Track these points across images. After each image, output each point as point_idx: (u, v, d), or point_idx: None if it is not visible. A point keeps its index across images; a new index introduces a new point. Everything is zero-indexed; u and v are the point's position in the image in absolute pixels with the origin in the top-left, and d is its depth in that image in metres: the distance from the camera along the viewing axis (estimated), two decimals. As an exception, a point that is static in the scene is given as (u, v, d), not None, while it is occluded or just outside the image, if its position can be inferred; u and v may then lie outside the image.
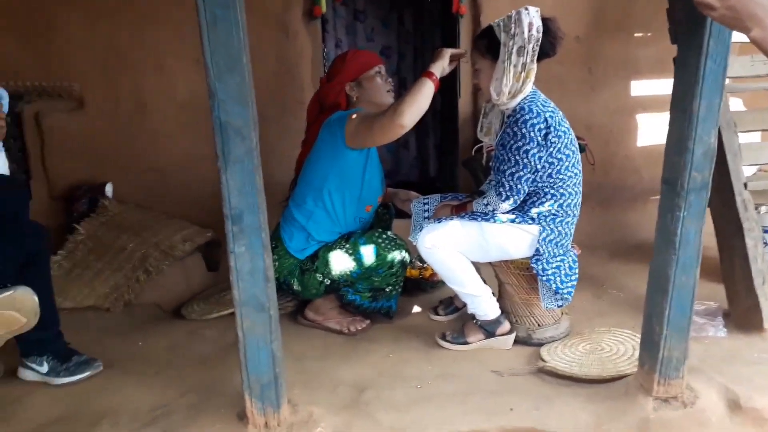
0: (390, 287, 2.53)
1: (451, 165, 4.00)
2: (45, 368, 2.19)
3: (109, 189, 3.38)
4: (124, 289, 2.93)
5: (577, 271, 2.35)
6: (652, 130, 3.83)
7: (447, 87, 4.02)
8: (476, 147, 3.40)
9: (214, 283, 3.11)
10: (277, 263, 2.48)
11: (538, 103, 2.24)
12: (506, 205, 2.28)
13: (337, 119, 2.39)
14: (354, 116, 2.34)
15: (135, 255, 3.01)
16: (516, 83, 2.21)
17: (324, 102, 2.59)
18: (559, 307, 2.36)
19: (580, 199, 2.39)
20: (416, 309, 2.82)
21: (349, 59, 2.58)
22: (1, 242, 1.91)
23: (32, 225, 2.15)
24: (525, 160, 2.21)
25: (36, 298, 1.77)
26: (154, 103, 3.45)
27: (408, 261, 2.53)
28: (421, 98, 2.20)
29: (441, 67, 2.27)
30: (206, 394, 2.07)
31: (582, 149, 3.26)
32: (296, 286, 2.50)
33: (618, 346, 2.31)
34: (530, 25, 2.16)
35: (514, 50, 2.18)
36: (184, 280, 3.06)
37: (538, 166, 2.25)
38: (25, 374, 2.22)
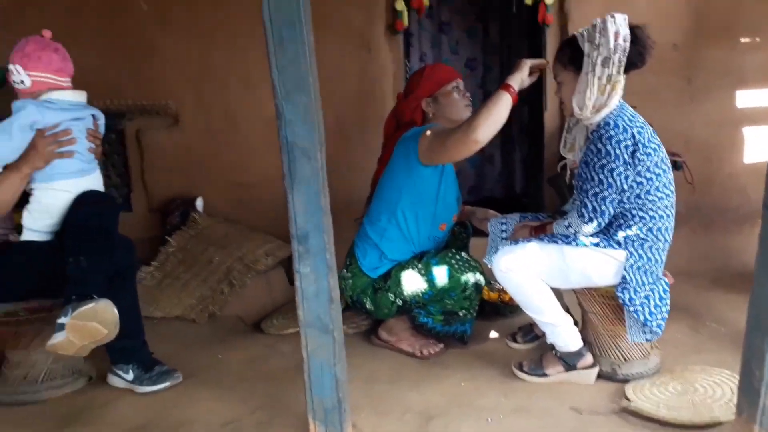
0: (464, 311, 2.46)
1: (538, 182, 3.85)
2: (130, 376, 2.30)
3: (199, 203, 3.53)
4: (209, 301, 3.04)
5: (668, 301, 2.17)
6: (761, 145, 3.51)
7: (533, 99, 3.89)
8: (561, 164, 3.25)
9: (294, 298, 3.16)
10: (351, 281, 2.48)
11: (625, 118, 2.10)
12: (589, 228, 2.14)
13: (411, 136, 2.36)
14: (428, 132, 2.30)
15: (220, 268, 3.12)
16: (600, 96, 2.09)
17: (400, 118, 2.57)
18: (647, 341, 2.18)
19: (672, 223, 2.20)
20: (493, 334, 2.72)
21: (426, 75, 2.55)
22: (93, 255, 2.01)
23: (122, 239, 2.27)
24: (610, 179, 2.07)
25: (116, 311, 1.86)
26: (243, 120, 3.58)
27: (482, 284, 2.45)
28: (497, 112, 2.11)
29: (520, 79, 2.18)
30: (275, 412, 2.09)
31: (678, 167, 3.05)
32: (369, 305, 2.48)
33: (714, 389, 2.10)
34: (616, 34, 2.02)
35: (599, 61, 2.05)
36: (266, 294, 3.13)
37: (625, 186, 2.10)
38: (114, 380, 2.34)
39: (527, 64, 2.19)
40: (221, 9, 3.40)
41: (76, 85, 2.22)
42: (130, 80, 3.51)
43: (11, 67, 2.05)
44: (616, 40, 2.02)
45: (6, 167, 2.07)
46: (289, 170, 1.61)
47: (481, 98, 4.77)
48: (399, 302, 2.43)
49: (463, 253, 2.45)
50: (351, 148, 3.50)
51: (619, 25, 2.03)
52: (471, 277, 2.39)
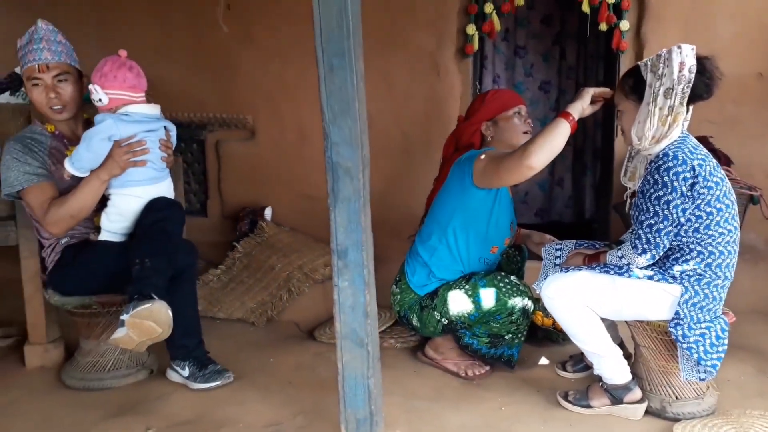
0: (510, 335, 2.44)
1: (607, 208, 3.75)
2: (186, 372, 2.44)
3: (268, 212, 3.70)
4: (268, 306, 3.17)
5: (725, 341, 2.06)
6: None
7: (608, 123, 3.80)
8: (628, 192, 3.16)
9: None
10: (399, 296, 2.53)
11: (686, 150, 2.03)
12: (642, 260, 2.08)
13: (467, 158, 2.39)
14: (483, 156, 2.32)
15: (281, 275, 3.25)
16: (661, 127, 2.03)
17: (459, 140, 2.60)
18: (701, 380, 2.09)
19: (734, 260, 2.10)
20: (543, 361, 2.67)
21: (488, 99, 2.57)
22: (156, 257, 2.16)
23: (185, 243, 2.43)
24: (666, 212, 2.01)
25: (170, 312, 1.99)
26: (313, 136, 3.71)
27: (531, 310, 2.42)
28: (554, 139, 2.10)
29: (580, 107, 2.16)
30: (315, 419, 2.16)
31: (755, 201, 2.89)
32: (415, 322, 2.51)
33: (771, 437, 1.98)
34: (681, 64, 1.97)
35: (661, 92, 2.01)
36: (321, 302, 3.22)
37: (682, 219, 2.03)
38: (172, 375, 2.49)
39: (589, 93, 2.17)
40: (296, 29, 3.56)
41: (166, 97, 2.40)
42: (213, 94, 3.74)
43: (91, 87, 2.25)
44: (680, 71, 1.97)
45: (90, 173, 2.29)
46: (333, 189, 1.69)
47: (555, 121, 4.71)
48: (444, 321, 2.45)
49: (513, 277, 2.43)
50: (416, 166, 3.55)
51: (684, 56, 1.98)
52: (518, 302, 2.37)
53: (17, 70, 3.53)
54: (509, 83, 4.58)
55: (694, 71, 1.98)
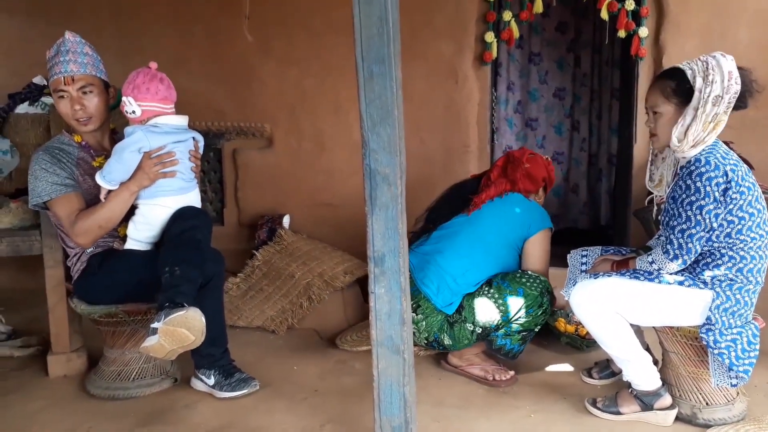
0: (539, 327, 2.47)
1: (624, 214, 3.75)
2: (212, 381, 2.43)
3: (286, 220, 3.70)
4: (288, 314, 3.16)
5: (757, 346, 2.06)
6: None
7: (623, 130, 3.81)
8: (649, 197, 3.16)
9: (368, 316, 3.23)
10: (424, 323, 2.49)
11: (718, 155, 2.03)
12: (674, 266, 2.08)
13: (537, 225, 2.56)
14: (547, 235, 2.57)
15: (301, 283, 3.25)
16: (702, 133, 2.03)
17: (531, 168, 2.64)
18: (732, 386, 2.08)
19: (766, 264, 2.10)
20: (568, 368, 2.67)
21: (554, 172, 2.76)
22: (186, 266, 2.16)
23: (213, 252, 2.43)
24: (698, 217, 2.01)
25: (203, 319, 1.99)
26: (332, 144, 3.74)
27: (551, 290, 2.48)
28: None
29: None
30: (344, 427, 2.15)
31: (778, 206, 2.88)
32: (447, 341, 2.50)
33: (805, 443, 1.97)
34: (730, 73, 1.98)
35: (710, 98, 2.00)
36: (342, 310, 3.22)
37: (714, 225, 2.03)
38: (196, 384, 2.49)
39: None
40: (315, 40, 3.59)
41: (185, 106, 2.41)
42: (232, 103, 3.76)
43: (124, 99, 2.26)
44: (729, 80, 1.98)
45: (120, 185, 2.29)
46: (371, 196, 1.69)
47: (568, 128, 4.72)
48: (478, 330, 2.45)
49: (529, 271, 2.50)
50: (433, 172, 3.56)
51: (731, 66, 2.00)
52: (544, 291, 2.43)
53: (36, 80, 3.55)
54: (524, 90, 4.60)
55: (740, 82, 1.99)
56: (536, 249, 2.55)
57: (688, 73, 2.05)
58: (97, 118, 2.36)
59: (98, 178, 2.26)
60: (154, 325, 1.98)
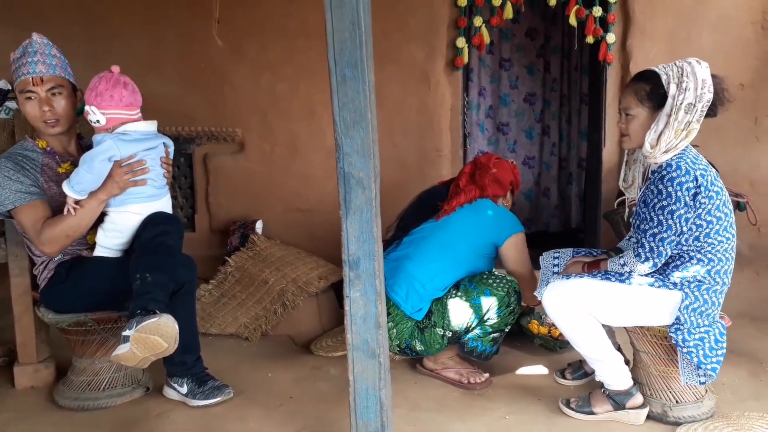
0: (509, 327, 2.49)
1: (594, 216, 3.81)
2: (185, 389, 2.40)
3: (259, 226, 3.67)
4: (262, 320, 3.13)
5: (724, 345, 2.11)
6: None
7: (592, 134, 3.88)
8: (619, 200, 3.21)
9: (343, 321, 3.22)
10: (394, 330, 2.47)
11: (688, 160, 2.07)
12: (645, 268, 2.12)
13: (507, 231, 2.56)
14: (519, 240, 2.58)
15: (275, 289, 3.22)
16: (674, 139, 2.06)
17: (498, 172, 2.63)
18: (701, 384, 2.13)
19: (732, 266, 2.16)
20: (542, 369, 2.69)
21: (519, 175, 2.77)
22: (158, 272, 2.13)
23: (184, 258, 2.40)
24: (669, 221, 2.05)
25: (176, 326, 1.96)
26: (305, 149, 3.71)
27: (518, 290, 2.49)
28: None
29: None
30: (320, 433, 2.14)
31: (742, 208, 2.97)
32: (419, 347, 2.50)
33: (772, 437, 2.02)
34: (704, 81, 2.01)
35: (683, 106, 2.03)
36: (316, 316, 3.20)
37: (684, 228, 2.07)
38: (169, 393, 2.45)
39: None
40: (288, 44, 3.57)
41: (155, 111, 2.37)
42: (203, 108, 3.71)
43: (87, 107, 2.21)
44: (702, 88, 2.01)
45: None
46: (345, 199, 1.68)
47: (539, 133, 4.78)
48: (448, 334, 2.46)
49: (495, 271, 2.53)
50: (407, 177, 3.57)
51: (705, 73, 2.02)
52: (511, 291, 2.44)
53: (0, 84, 3.46)
54: (495, 95, 4.65)
55: (713, 90, 2.03)
56: (512, 253, 2.58)
57: (663, 78, 2.07)
58: (65, 120, 2.31)
59: (66, 188, 2.19)
60: (126, 332, 1.95)
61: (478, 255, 2.56)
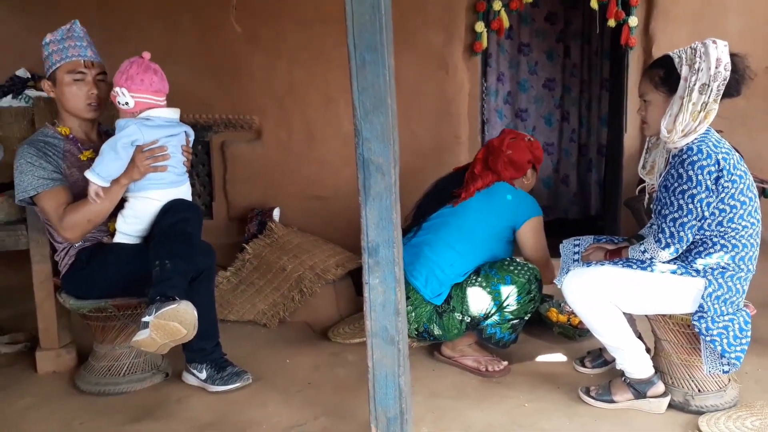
0: (528, 315, 2.47)
1: (614, 204, 3.76)
2: (204, 375, 2.41)
3: (276, 213, 3.67)
4: (280, 307, 3.14)
5: (749, 333, 2.07)
6: None
7: (613, 120, 3.82)
8: (640, 186, 3.17)
9: (361, 308, 3.21)
10: (413, 313, 2.47)
11: (710, 144, 2.03)
12: (666, 254, 2.09)
13: (524, 215, 2.54)
14: (536, 223, 2.56)
15: (292, 276, 3.22)
16: (692, 122, 2.02)
17: (514, 153, 2.57)
18: (725, 372, 2.09)
19: (757, 252, 2.11)
20: (561, 357, 2.67)
21: (540, 150, 2.69)
22: (177, 259, 2.13)
23: (203, 245, 2.40)
24: (690, 206, 2.01)
25: (195, 313, 1.97)
26: (322, 135, 3.70)
27: (540, 278, 2.47)
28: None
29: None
30: (339, 419, 2.14)
31: (766, 194, 2.91)
32: (437, 331, 2.49)
33: (797, 428, 1.98)
34: (718, 60, 1.96)
35: (696, 87, 1.99)
36: (334, 303, 3.20)
37: (706, 213, 2.03)
38: (188, 378, 2.47)
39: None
40: (305, 30, 3.55)
41: (172, 99, 2.38)
42: (220, 95, 3.71)
43: (116, 89, 2.22)
44: (717, 68, 1.96)
45: None
46: (364, 185, 1.67)
47: (558, 119, 4.73)
48: (467, 320, 2.45)
49: (518, 258, 2.50)
50: (425, 164, 3.55)
51: (720, 52, 1.97)
52: (533, 279, 2.42)
53: (19, 72, 3.48)
54: (513, 80, 4.59)
55: (730, 69, 1.98)
56: (529, 238, 2.55)
57: (676, 61, 2.04)
58: (102, 107, 2.37)
59: (90, 175, 2.18)
60: (146, 318, 1.96)
61: (496, 239, 2.54)
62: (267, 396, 2.35)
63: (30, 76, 3.40)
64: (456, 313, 2.44)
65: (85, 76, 2.30)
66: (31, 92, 3.28)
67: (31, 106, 3.17)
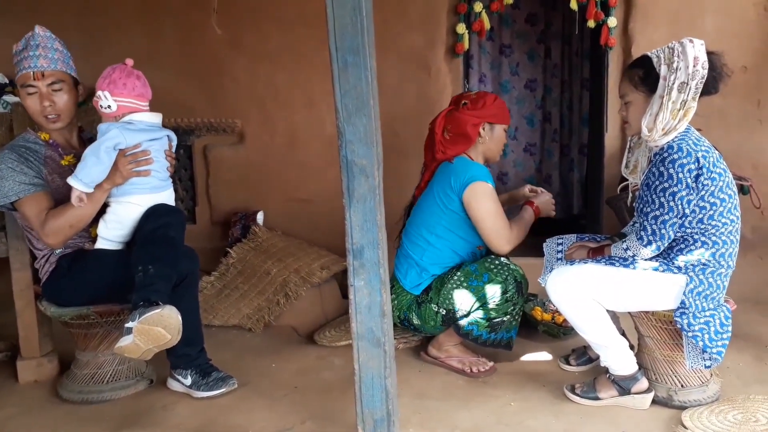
0: (508, 317, 2.46)
1: (596, 203, 3.79)
2: (189, 381, 2.39)
3: (260, 217, 3.66)
4: (265, 311, 3.13)
5: (729, 328, 2.10)
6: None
7: (594, 120, 3.85)
8: (621, 185, 3.20)
9: (347, 311, 3.20)
10: (395, 301, 2.55)
11: (690, 142, 2.06)
12: (648, 251, 2.11)
13: (458, 181, 2.45)
14: (474, 198, 2.43)
15: (277, 279, 3.21)
16: (672, 120, 2.05)
17: (453, 127, 2.51)
18: (707, 367, 2.12)
19: (736, 249, 2.14)
20: (546, 356, 2.69)
21: (498, 103, 2.56)
22: (160, 264, 2.11)
23: (187, 249, 2.39)
24: (671, 203, 2.04)
25: (180, 318, 1.95)
26: (305, 138, 3.70)
27: (524, 285, 2.46)
28: (526, 231, 2.58)
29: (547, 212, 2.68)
30: (326, 423, 2.14)
31: (745, 191, 2.95)
32: (416, 321, 2.54)
33: (778, 420, 2.02)
34: (696, 59, 1.99)
35: (675, 85, 2.02)
36: (319, 306, 3.19)
37: (687, 211, 2.06)
38: (173, 385, 2.44)
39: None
40: (287, 33, 3.54)
41: (154, 104, 2.36)
42: (202, 99, 3.69)
43: (99, 93, 2.20)
44: (695, 66, 1.99)
45: None
46: (348, 187, 1.67)
47: (540, 119, 4.76)
48: (442, 312, 2.47)
49: (502, 258, 2.50)
50: (408, 165, 3.54)
51: (698, 51, 2.00)
52: (510, 280, 2.41)
53: (-5, 78, 3.43)
54: (495, 82, 4.61)
55: (707, 67, 2.01)
56: (471, 203, 2.43)
57: (654, 60, 2.07)
58: (66, 115, 2.30)
59: (73, 181, 2.15)
60: (129, 324, 1.94)
61: (457, 219, 2.48)
62: (253, 401, 2.33)
63: (8, 82, 3.36)
64: (432, 305, 2.48)
65: (35, 88, 2.23)
66: (9, 98, 3.24)
67: (9, 111, 3.12)
